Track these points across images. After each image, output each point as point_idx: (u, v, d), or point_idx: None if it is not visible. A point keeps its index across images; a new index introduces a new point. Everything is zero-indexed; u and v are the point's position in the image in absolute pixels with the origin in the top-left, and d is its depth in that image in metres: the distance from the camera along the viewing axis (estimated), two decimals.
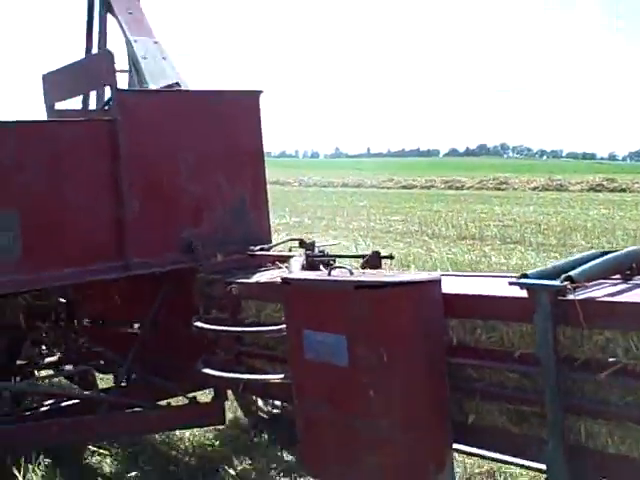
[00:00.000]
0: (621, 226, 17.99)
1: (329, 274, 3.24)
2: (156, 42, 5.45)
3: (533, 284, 2.78)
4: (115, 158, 4.23)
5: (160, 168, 4.41)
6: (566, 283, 2.72)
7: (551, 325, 2.73)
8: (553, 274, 2.84)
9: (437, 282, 3.06)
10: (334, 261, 4.19)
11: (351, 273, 3.19)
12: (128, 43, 5.40)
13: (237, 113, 4.75)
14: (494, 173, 47.94)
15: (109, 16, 5.80)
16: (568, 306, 2.69)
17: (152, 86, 5.05)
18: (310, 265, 3.93)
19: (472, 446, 3.20)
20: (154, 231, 4.38)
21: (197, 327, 4.21)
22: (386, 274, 3.33)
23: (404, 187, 43.63)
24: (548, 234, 16.55)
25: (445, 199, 31.83)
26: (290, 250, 4.75)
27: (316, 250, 4.41)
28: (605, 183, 36.88)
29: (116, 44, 5.77)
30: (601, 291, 2.81)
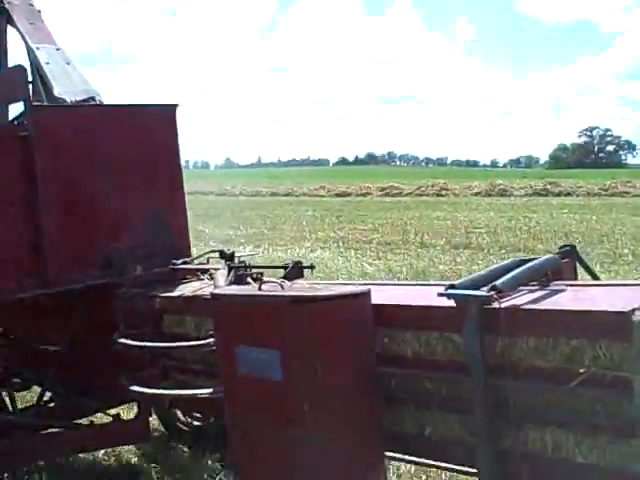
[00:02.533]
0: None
1: (259, 288, 3.27)
2: (58, 49, 5.37)
3: (461, 295, 2.90)
4: (30, 175, 4.14)
5: (77, 184, 4.34)
6: (492, 293, 2.85)
7: (479, 334, 2.84)
8: (478, 284, 2.96)
9: (367, 294, 3.14)
10: (261, 274, 4.20)
11: (282, 287, 3.23)
12: (30, 51, 5.29)
13: (154, 126, 4.73)
14: (385, 180, 47.94)
15: (10, 28, 5.69)
16: (494, 315, 2.82)
17: (57, 90, 4.97)
18: (237, 279, 3.94)
19: (406, 454, 3.30)
20: (72, 247, 4.31)
21: (121, 344, 4.15)
22: (315, 287, 3.38)
23: (338, 195, 42.64)
24: (546, 240, 16.42)
25: (394, 207, 31.21)
26: (208, 262, 4.75)
27: (236, 261, 4.43)
28: (549, 187, 37.20)
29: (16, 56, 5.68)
30: (522, 299, 2.95)
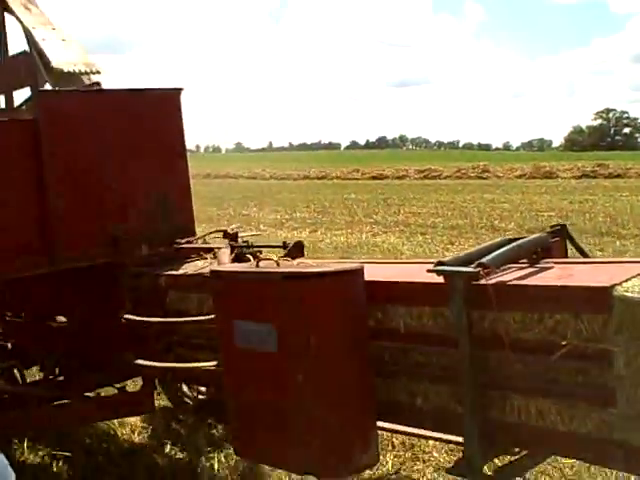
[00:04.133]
0: None
1: (257, 266, 3.39)
2: (54, 28, 5.50)
3: (448, 271, 3.00)
4: (38, 157, 4.28)
5: (83, 166, 4.47)
6: (479, 269, 2.95)
7: (465, 308, 2.95)
8: (467, 261, 3.06)
9: (360, 271, 3.25)
10: (260, 252, 4.33)
11: (277, 264, 3.35)
12: (27, 31, 5.43)
13: (158, 110, 4.83)
14: (422, 163, 47.02)
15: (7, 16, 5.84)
16: (481, 290, 2.92)
17: (54, 62, 5.10)
18: (238, 257, 4.07)
19: (397, 423, 3.43)
20: (80, 227, 4.43)
21: (127, 319, 4.29)
22: (311, 264, 3.50)
23: (374, 177, 41.69)
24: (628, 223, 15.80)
25: (437, 189, 30.05)
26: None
27: (239, 241, 4.55)
28: (599, 169, 36.10)
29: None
30: (510, 275, 3.06)
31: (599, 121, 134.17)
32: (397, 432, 3.70)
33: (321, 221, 18.83)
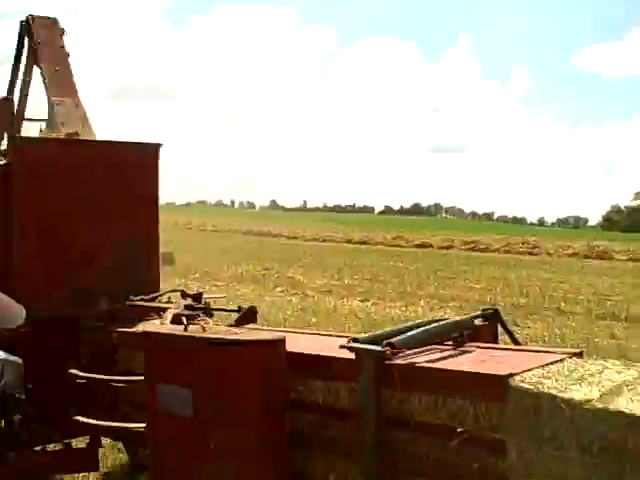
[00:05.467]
0: None
1: (185, 329, 3.44)
2: (77, 105, 5.63)
3: (358, 348, 3.03)
4: (7, 202, 4.39)
5: (52, 215, 4.56)
6: (387, 348, 2.97)
7: (374, 386, 2.97)
8: (380, 339, 3.09)
9: (280, 342, 3.29)
10: (211, 314, 4.36)
11: (203, 329, 3.40)
12: (50, 104, 5.58)
13: (135, 164, 4.93)
14: (460, 233, 46.13)
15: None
16: (389, 370, 2.94)
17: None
18: (174, 318, 4.11)
19: None
20: (42, 276, 4.51)
21: (71, 374, 4.33)
22: (239, 331, 3.53)
23: (418, 246, 39.88)
24: None
25: (485, 262, 28.52)
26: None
27: (203, 302, 4.60)
28: None
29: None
30: (423, 357, 3.07)
31: (638, 201, 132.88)
32: None
33: (371, 290, 17.81)
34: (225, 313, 4.59)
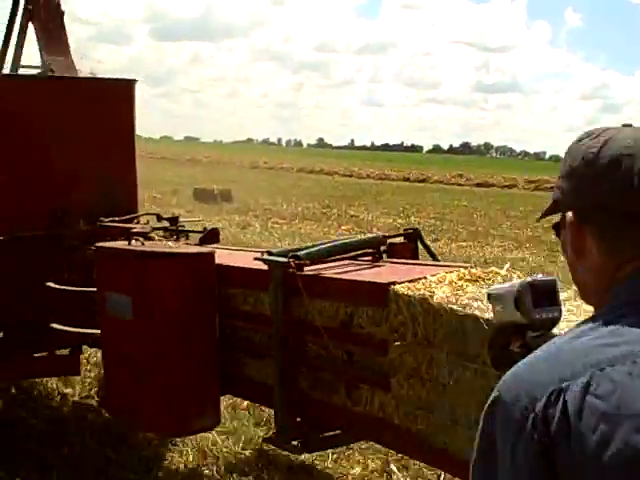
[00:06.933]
0: None
1: (128, 244, 3.82)
2: (70, 65, 5.90)
3: (269, 260, 3.38)
4: None
5: (29, 145, 4.95)
6: (291, 260, 3.31)
7: (281, 293, 3.32)
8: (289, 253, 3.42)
9: (209, 255, 3.65)
10: (187, 236, 4.72)
11: (142, 244, 3.77)
12: (43, 62, 5.91)
13: (110, 99, 5.28)
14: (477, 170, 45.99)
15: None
16: (294, 279, 3.28)
17: None
18: (128, 236, 4.47)
19: (240, 396, 3.82)
20: (19, 202, 4.92)
21: (50, 287, 4.75)
22: (175, 246, 3.89)
23: (479, 185, 39.83)
24: None
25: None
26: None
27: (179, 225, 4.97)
28: None
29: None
30: (329, 270, 3.40)
31: None
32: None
33: (441, 229, 17.70)
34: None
